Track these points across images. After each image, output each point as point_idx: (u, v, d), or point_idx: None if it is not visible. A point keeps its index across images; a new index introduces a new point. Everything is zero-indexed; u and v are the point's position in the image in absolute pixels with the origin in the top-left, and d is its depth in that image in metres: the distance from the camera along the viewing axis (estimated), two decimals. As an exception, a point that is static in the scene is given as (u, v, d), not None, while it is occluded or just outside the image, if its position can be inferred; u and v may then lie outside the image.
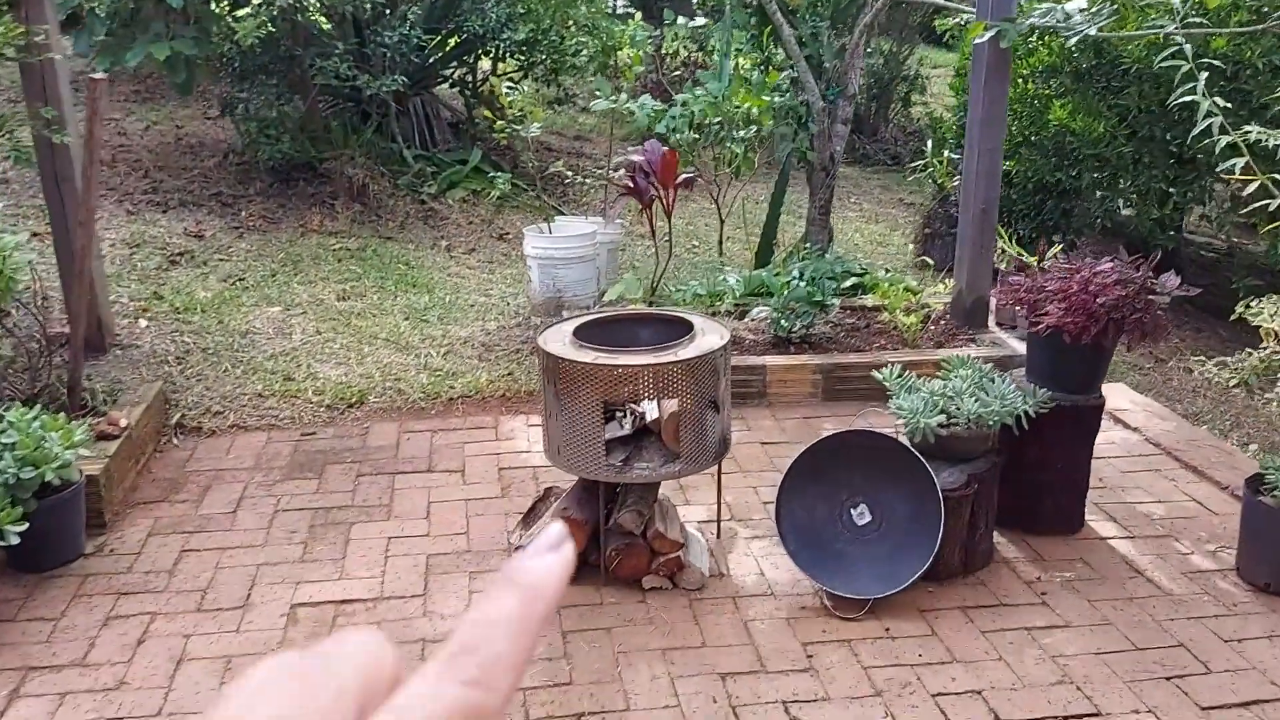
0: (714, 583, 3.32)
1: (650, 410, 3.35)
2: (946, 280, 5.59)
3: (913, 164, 9.70)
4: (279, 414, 4.54)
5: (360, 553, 3.50)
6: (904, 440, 3.32)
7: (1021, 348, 4.77)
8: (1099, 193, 6.91)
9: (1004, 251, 5.08)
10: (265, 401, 4.63)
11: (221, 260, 6.36)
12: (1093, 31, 3.56)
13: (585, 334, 3.35)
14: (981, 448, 3.39)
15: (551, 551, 0.36)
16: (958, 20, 8.96)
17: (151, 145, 7.94)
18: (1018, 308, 3.51)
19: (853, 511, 3.29)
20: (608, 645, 3.03)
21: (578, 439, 3.17)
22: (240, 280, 6.06)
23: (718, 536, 3.59)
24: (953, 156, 7.55)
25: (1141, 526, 3.68)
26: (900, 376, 3.48)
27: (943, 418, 3.27)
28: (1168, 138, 6.50)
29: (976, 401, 3.29)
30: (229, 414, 4.52)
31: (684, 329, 3.38)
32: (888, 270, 5.66)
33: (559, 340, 3.28)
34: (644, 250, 7.23)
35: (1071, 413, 3.49)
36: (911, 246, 7.73)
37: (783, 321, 4.77)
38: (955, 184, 7.40)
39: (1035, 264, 3.82)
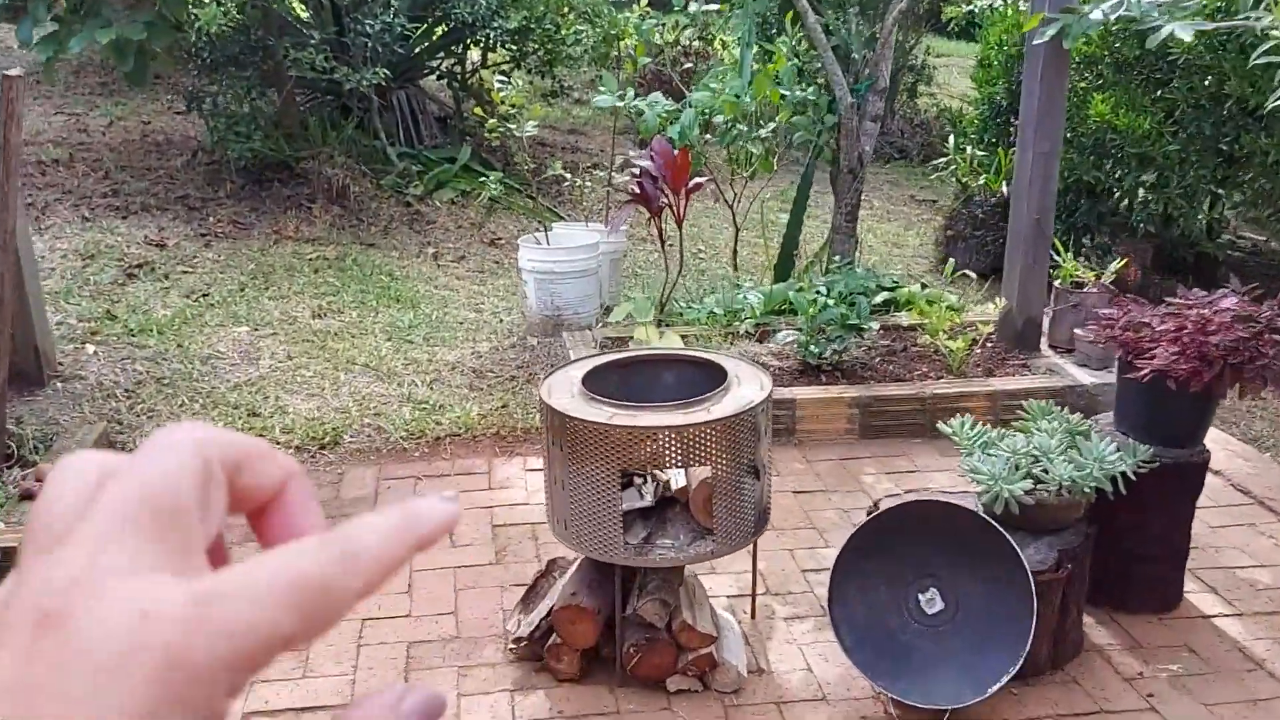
0: (753, 682, 2.76)
1: (676, 476, 2.78)
2: (990, 296, 5.03)
3: (929, 160, 9.17)
4: (240, 457, 3.96)
5: (328, 640, 2.94)
6: (976, 507, 2.77)
7: (1083, 376, 4.22)
8: (1141, 193, 6.36)
9: (1057, 265, 4.53)
10: (225, 442, 4.05)
11: (185, 272, 5.77)
12: (1182, 33, 2.99)
13: (597, 382, 2.79)
14: (1071, 517, 2.84)
15: (443, 502, 0.35)
16: (968, 7, 8.42)
17: (114, 143, 7.34)
18: (1111, 346, 2.95)
19: (921, 597, 2.74)
20: (628, 770, 2.47)
21: (589, 513, 2.60)
22: (205, 296, 5.48)
23: (752, 617, 3.04)
24: (978, 153, 7.01)
25: (1247, 599, 3.14)
26: (974, 430, 2.92)
27: (1028, 483, 2.72)
28: (1218, 134, 5.95)
29: (1069, 464, 2.73)
30: (183, 458, 3.94)
31: (714, 375, 2.82)
32: (924, 285, 5.11)
33: (565, 391, 2.71)
34: (648, 257, 6.67)
35: (1174, 470, 2.94)
36: (933, 249, 7.18)
37: (812, 347, 4.21)
38: (980, 183, 6.87)
39: (1114, 289, 3.26)
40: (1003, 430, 2.96)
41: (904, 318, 4.84)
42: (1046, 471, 2.77)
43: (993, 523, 2.65)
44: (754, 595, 3.04)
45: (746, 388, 2.72)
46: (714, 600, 2.99)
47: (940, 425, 2.97)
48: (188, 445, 0.33)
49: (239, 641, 0.30)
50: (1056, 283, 4.53)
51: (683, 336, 4.53)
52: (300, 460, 3.96)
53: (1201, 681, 2.77)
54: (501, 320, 5.41)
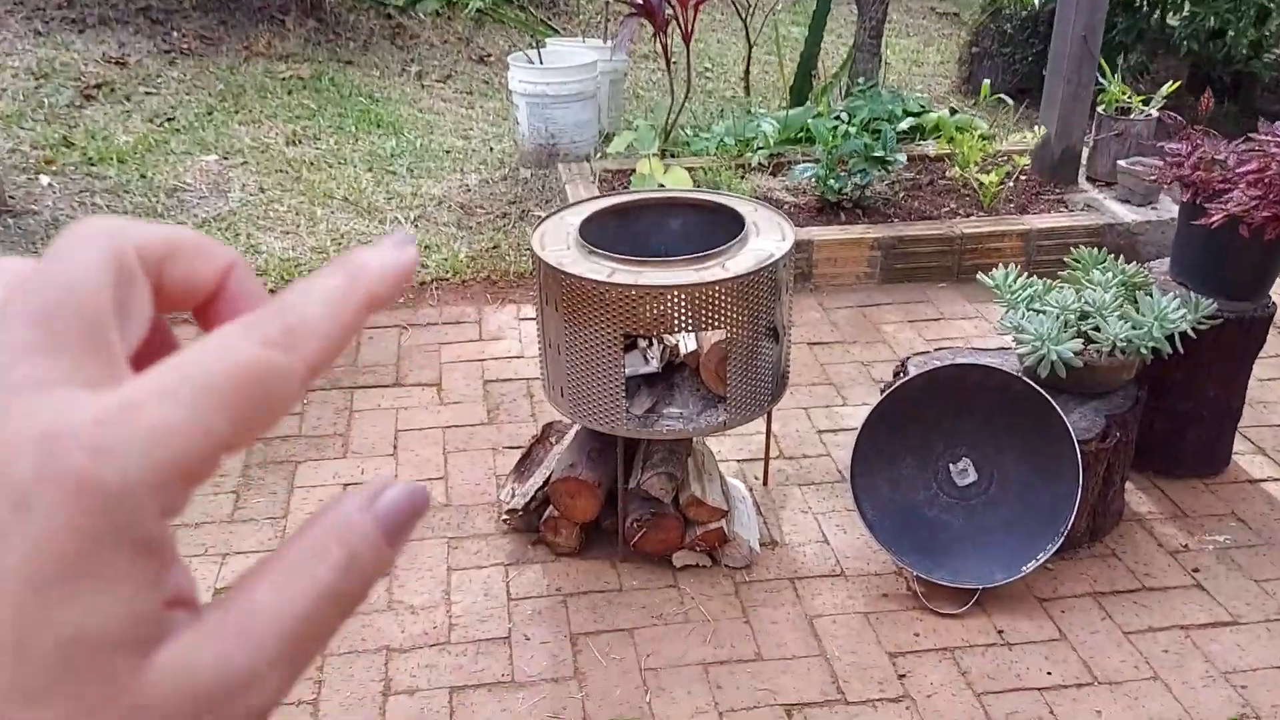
0: (765, 555, 2.55)
1: (685, 339, 2.49)
2: (1025, 121, 4.62)
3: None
4: (211, 302, 3.66)
5: (308, 507, 2.72)
6: (1013, 369, 2.50)
7: (1124, 213, 3.88)
8: (1188, 7, 5.84)
9: (1101, 89, 4.11)
10: (194, 285, 3.74)
11: (148, 94, 5.33)
12: None
13: (595, 231, 2.46)
14: (1121, 379, 2.57)
15: (394, 249, 0.29)
16: None
17: (66, -52, 6.72)
18: (1178, 187, 2.61)
19: (952, 468, 2.49)
20: (630, 656, 2.28)
21: (588, 381, 2.33)
22: (169, 120, 5.06)
23: (764, 484, 2.80)
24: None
25: (1300, 462, 2.90)
26: (1018, 282, 2.61)
27: (1078, 343, 2.43)
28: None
29: (1126, 322, 2.44)
30: (148, 303, 3.64)
31: (727, 221, 2.50)
32: (953, 110, 4.69)
33: (561, 242, 2.39)
34: (650, 77, 6.19)
35: (1235, 326, 2.64)
36: (955, 67, 6.69)
37: (831, 182, 3.85)
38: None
39: (1178, 119, 2.88)
40: (1049, 282, 2.66)
41: (930, 147, 4.46)
42: (1098, 329, 2.48)
43: (1037, 388, 2.37)
44: (767, 460, 2.80)
45: (765, 238, 2.39)
46: (723, 465, 2.75)
47: (981, 277, 2.66)
48: (100, 241, 0.28)
49: (161, 453, 0.24)
50: (1099, 109, 4.13)
51: (689, 169, 4.16)
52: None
53: (1250, 554, 2.55)
54: (491, 149, 5.01)
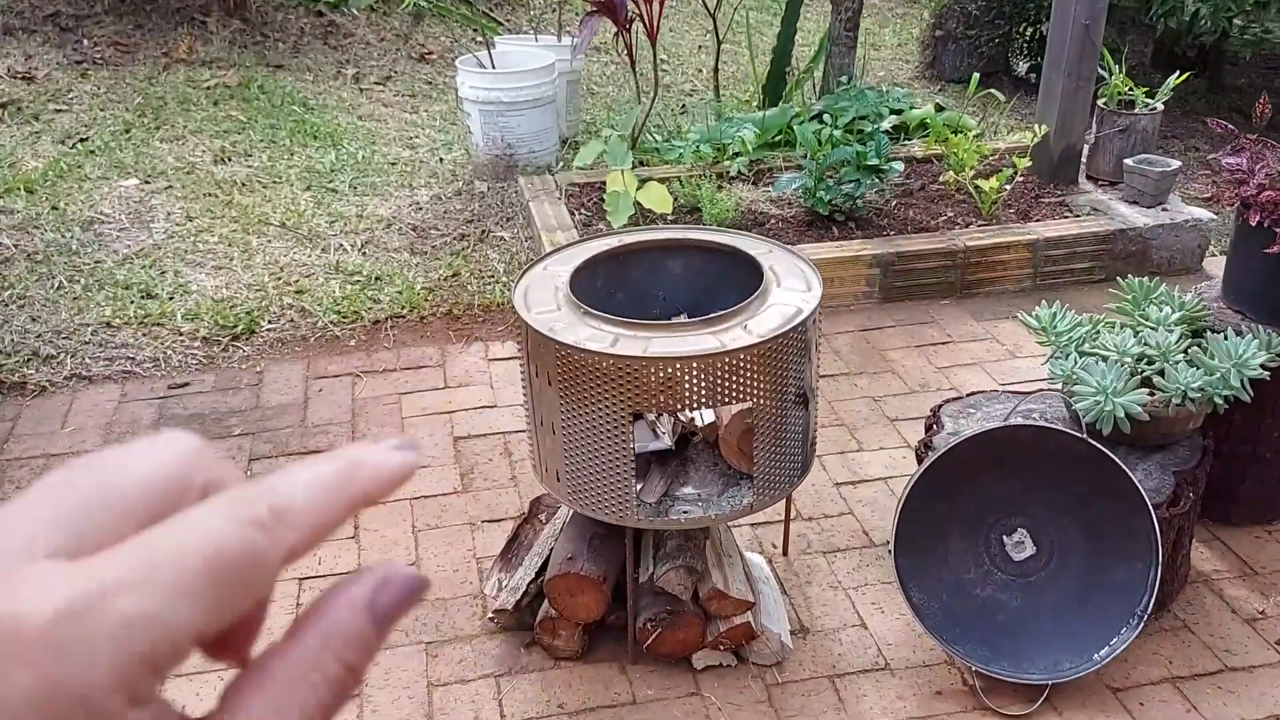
0: (797, 648, 2.22)
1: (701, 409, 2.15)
2: (1019, 118, 4.33)
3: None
4: (137, 354, 3.25)
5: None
6: (1062, 425, 2.19)
7: (1134, 215, 3.61)
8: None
9: (1102, 81, 3.82)
10: (117, 335, 3.32)
11: (58, 111, 4.84)
12: None
13: (586, 280, 2.11)
14: (1186, 429, 2.27)
15: (394, 450, 0.30)
16: None
17: (-40, -52, 6.16)
18: (1240, 208, 2.31)
19: (1007, 540, 2.18)
20: (654, 787, 1.94)
21: (590, 466, 1.97)
22: (83, 141, 4.59)
23: (784, 553, 2.48)
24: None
25: (1362, 498, 2.64)
26: (1064, 320, 2.30)
27: (1143, 394, 2.13)
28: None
29: (1197, 368, 2.14)
30: (65, 358, 3.21)
31: (737, 263, 2.16)
32: (939, 106, 4.38)
33: (549, 300, 2.03)
34: (604, 70, 5.82)
35: (1304, 360, 2.36)
36: (917, 51, 6.40)
37: (821, 194, 3.52)
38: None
39: (1230, 129, 2.59)
40: (1097, 318, 2.35)
41: (917, 146, 4.15)
42: (1162, 374, 2.18)
43: (1104, 450, 2.06)
44: (787, 525, 2.47)
45: (788, 289, 2.05)
46: (736, 532, 2.42)
47: (1023, 317, 2.35)
48: (178, 450, 0.29)
49: (129, 648, 0.24)
50: (1100, 102, 3.84)
51: (664, 180, 3.81)
52: (209, 355, 3.26)
53: (1334, 619, 2.28)
54: (441, 160, 4.60)
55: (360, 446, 0.30)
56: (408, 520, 2.60)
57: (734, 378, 1.89)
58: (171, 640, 0.25)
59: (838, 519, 2.59)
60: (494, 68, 4.23)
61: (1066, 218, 3.67)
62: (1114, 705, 2.08)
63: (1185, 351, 2.20)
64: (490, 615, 2.26)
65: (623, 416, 1.90)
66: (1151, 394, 2.14)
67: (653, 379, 1.86)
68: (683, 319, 2.28)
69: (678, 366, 1.85)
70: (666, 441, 2.10)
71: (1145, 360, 2.20)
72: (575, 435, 1.96)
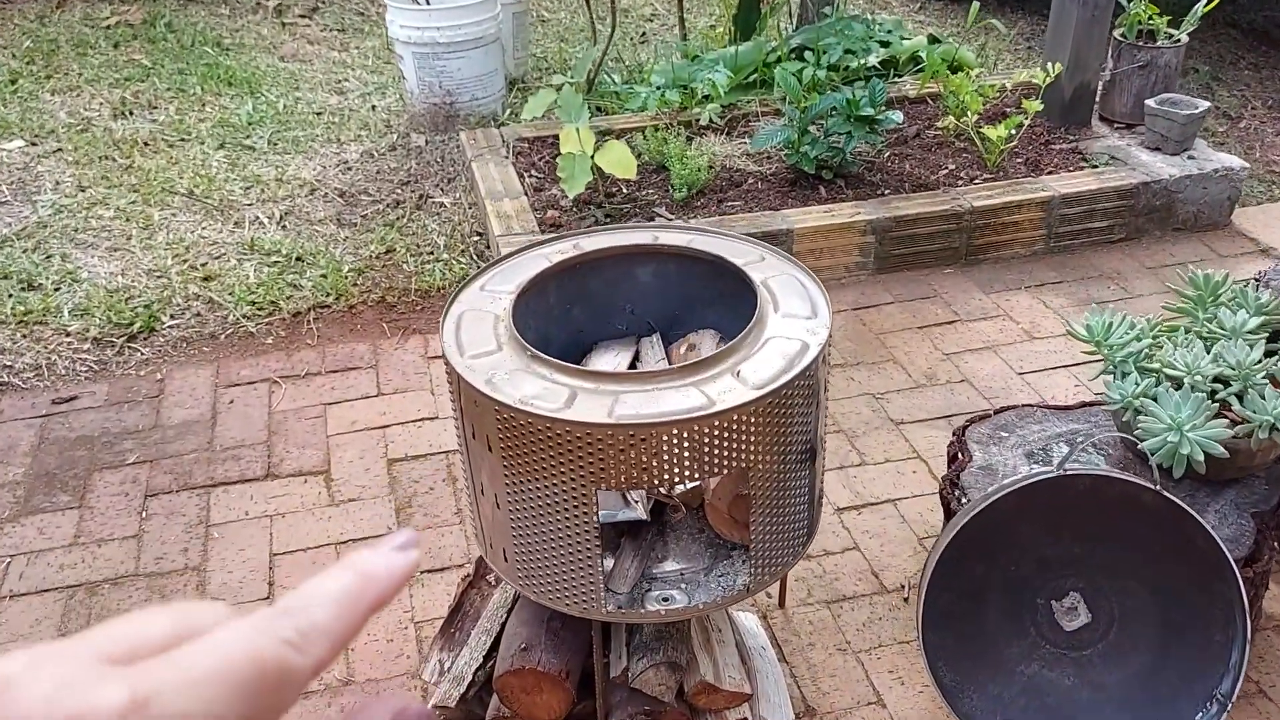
0: (803, 738, 1.84)
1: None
2: (1025, 52, 3.86)
3: None
4: (14, 361, 2.77)
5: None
6: (1109, 470, 1.80)
7: (1157, 164, 3.20)
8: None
9: (1120, 9, 3.36)
10: (-9, 337, 2.84)
11: (-68, 58, 4.25)
12: None
13: (535, 297, 1.68)
14: (1265, 461, 1.88)
15: (398, 552, 0.34)
16: None
17: None
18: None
19: (1056, 607, 1.80)
20: None
21: (544, 549, 1.56)
22: (-41, 94, 4.02)
23: (780, 606, 2.09)
24: None
25: None
26: (1119, 329, 1.88)
27: (1223, 426, 1.74)
28: None
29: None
30: (-72, 369, 2.73)
31: (726, 273, 1.74)
32: (934, 39, 3.90)
33: (486, 336, 1.59)
34: (559, 4, 5.26)
35: (1397, 366, 1.97)
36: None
37: (806, 149, 3.07)
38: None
39: None
40: (1154, 322, 1.94)
41: (909, 85, 3.68)
42: (1240, 397, 1.79)
43: (1177, 502, 1.67)
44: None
45: (787, 315, 1.63)
46: (742, 621, 2.02)
47: (1073, 327, 1.93)
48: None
49: None
50: (1116, 34, 3.39)
51: (625, 132, 3.34)
52: (100, 360, 2.79)
53: None
54: (374, 108, 4.08)
55: (366, 555, 0.33)
56: (333, 573, 2.18)
57: (726, 441, 1.47)
58: None
59: (841, 556, 2.20)
60: (428, 2, 3.70)
61: (1082, 168, 3.25)
62: (1187, 804, 1.73)
63: (1266, 367, 1.80)
64: (432, 705, 1.86)
65: (582, 492, 1.48)
66: (1231, 424, 1.75)
67: (621, 448, 1.44)
68: (655, 346, 1.86)
69: (653, 433, 1.43)
70: (639, 512, 1.68)
71: (1222, 382, 1.80)
72: (524, 512, 1.54)
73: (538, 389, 1.48)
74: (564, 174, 2.97)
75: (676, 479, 1.50)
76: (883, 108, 3.04)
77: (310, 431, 2.56)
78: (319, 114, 4.03)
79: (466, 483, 1.71)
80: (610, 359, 1.82)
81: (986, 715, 1.77)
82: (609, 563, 1.64)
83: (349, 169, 3.62)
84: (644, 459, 1.45)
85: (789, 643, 2.01)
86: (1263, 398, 1.75)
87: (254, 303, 2.95)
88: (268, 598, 2.13)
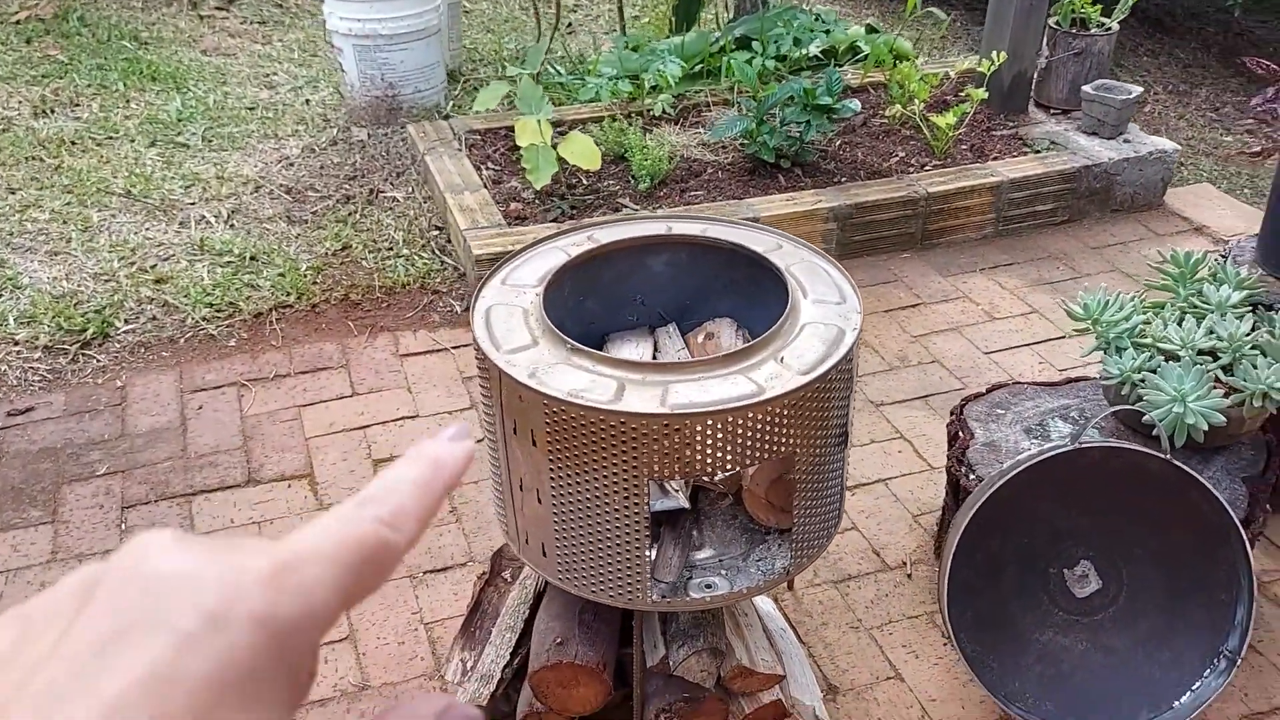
0: (830, 717, 1.87)
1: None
2: (955, 39, 3.96)
3: None
4: (-41, 373, 2.63)
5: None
6: (1120, 441, 1.88)
7: (1096, 148, 3.32)
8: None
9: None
10: (-70, 348, 2.69)
11: None
12: None
13: (553, 292, 1.67)
14: (1252, 429, 1.99)
15: (455, 440, 0.37)
16: None
17: None
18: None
19: (1068, 575, 1.87)
20: None
21: (590, 541, 1.55)
22: None
23: (789, 588, 2.12)
24: None
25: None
26: (1116, 307, 1.96)
27: (1219, 396, 1.82)
28: None
29: (1272, 360, 1.84)
30: None
31: (739, 262, 1.76)
32: (871, 28, 3.97)
33: (519, 329, 1.58)
34: (483, -8, 5.20)
35: (1358, 333, 2.10)
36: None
37: (766, 138, 3.10)
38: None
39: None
40: (1145, 301, 2.03)
41: (850, 74, 3.75)
42: (1228, 368, 1.88)
43: (1185, 469, 1.75)
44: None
45: (816, 301, 1.65)
46: (763, 608, 2.05)
47: (1068, 306, 2.00)
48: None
49: (318, 598, 0.31)
50: (1051, 22, 3.51)
51: (581, 123, 3.32)
52: (54, 369, 2.67)
53: (1398, 620, 2.06)
54: (308, 102, 3.98)
55: (429, 444, 0.36)
56: (332, 578, 2.13)
57: (774, 427, 1.48)
58: (342, 601, 0.32)
59: (842, 537, 2.24)
60: (367, -6, 3.62)
61: (1025, 154, 3.36)
62: (1197, 757, 1.81)
63: (1255, 339, 1.89)
64: (457, 709, 1.83)
65: (634, 483, 1.48)
66: (1226, 394, 1.84)
67: (674, 438, 1.44)
68: (672, 335, 1.87)
69: (707, 422, 1.43)
70: (681, 500, 1.69)
71: (1214, 356, 1.89)
72: (571, 506, 1.53)
73: (584, 382, 1.47)
74: (528, 165, 2.95)
75: (725, 466, 1.51)
76: (839, 96, 3.09)
77: (287, 435, 2.49)
78: (251, 109, 3.91)
79: (496, 480, 1.69)
80: (631, 350, 1.82)
81: (1007, 683, 1.83)
82: (651, 553, 1.64)
83: (291, 165, 3.52)
84: (696, 448, 1.45)
85: (803, 624, 2.04)
86: (1255, 368, 1.84)
87: (212, 304, 2.85)
88: (267, 606, 2.07)
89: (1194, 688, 1.80)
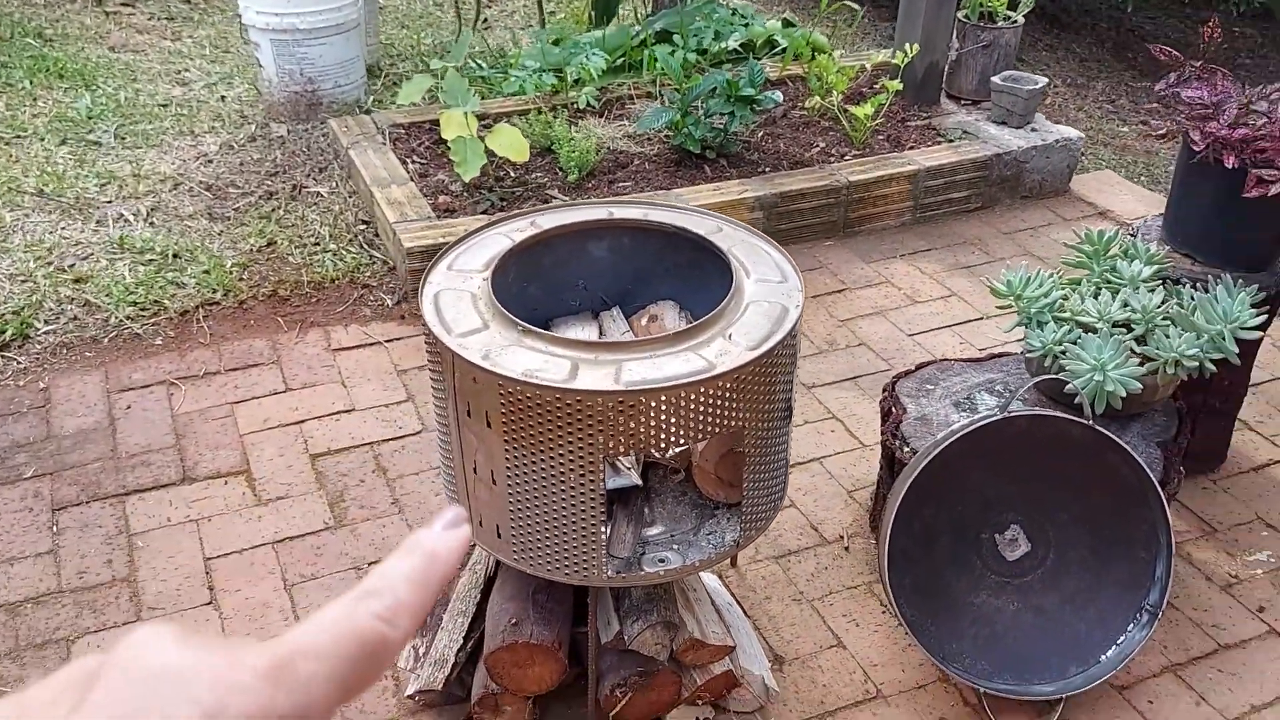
0: (776, 684, 1.93)
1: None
2: (866, 33, 4.06)
3: None
4: None
5: None
6: (1027, 396, 1.97)
7: (1007, 137, 3.44)
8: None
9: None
10: None
11: None
12: None
13: (496, 280, 1.69)
14: (1164, 395, 2.10)
15: (449, 529, 0.38)
16: None
17: None
18: (1207, 150, 2.10)
19: (999, 539, 1.95)
20: None
21: (546, 521, 1.58)
22: None
23: (733, 564, 2.17)
24: None
25: (1284, 432, 2.59)
26: (1033, 284, 2.05)
27: (1135, 364, 1.92)
28: None
29: (1182, 330, 1.95)
30: None
31: (681, 245, 1.80)
32: (787, 22, 4.05)
33: (469, 312, 1.60)
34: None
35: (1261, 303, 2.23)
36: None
37: (691, 129, 3.15)
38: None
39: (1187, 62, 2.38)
40: (1061, 278, 2.12)
41: (768, 67, 3.82)
42: (1141, 339, 1.99)
43: (1107, 434, 1.85)
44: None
45: (758, 279, 1.70)
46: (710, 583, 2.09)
47: (991, 283, 2.08)
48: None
49: (316, 693, 0.32)
50: (960, 15, 3.63)
51: (508, 116, 3.33)
52: (-28, 371, 2.59)
53: (1301, 574, 2.20)
54: (224, 98, 3.92)
55: (424, 535, 0.37)
56: (275, 573, 2.12)
57: (725, 402, 1.53)
58: (341, 694, 0.33)
59: (781, 515, 2.29)
60: (283, -12, 3.58)
61: (939, 143, 3.47)
62: (1124, 707, 1.91)
63: (1166, 310, 2.00)
64: (411, 694, 1.84)
65: (590, 461, 1.51)
66: (1142, 363, 1.94)
67: (629, 415, 1.48)
68: (616, 319, 1.90)
69: (661, 398, 1.47)
70: (633, 477, 1.72)
71: (1129, 328, 1.99)
72: (526, 486, 1.56)
73: (538, 362, 1.50)
74: (457, 158, 2.95)
75: (677, 442, 1.56)
76: (761, 88, 3.16)
77: (221, 432, 2.46)
78: (164, 106, 3.84)
79: (448, 465, 1.71)
80: (577, 333, 1.84)
81: (945, 645, 1.91)
82: (606, 530, 1.67)
83: (210, 161, 3.47)
84: (649, 424, 1.49)
85: (747, 598, 2.09)
86: (1167, 337, 1.95)
87: (136, 303, 2.80)
88: (210, 603, 2.05)
89: (1118, 642, 1.90)
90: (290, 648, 0.32)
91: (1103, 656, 1.90)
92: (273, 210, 3.21)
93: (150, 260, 2.95)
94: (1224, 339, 1.93)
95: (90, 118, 3.69)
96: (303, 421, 2.50)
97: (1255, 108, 2.05)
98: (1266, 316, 2.03)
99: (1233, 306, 1.96)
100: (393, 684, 1.91)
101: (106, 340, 2.71)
